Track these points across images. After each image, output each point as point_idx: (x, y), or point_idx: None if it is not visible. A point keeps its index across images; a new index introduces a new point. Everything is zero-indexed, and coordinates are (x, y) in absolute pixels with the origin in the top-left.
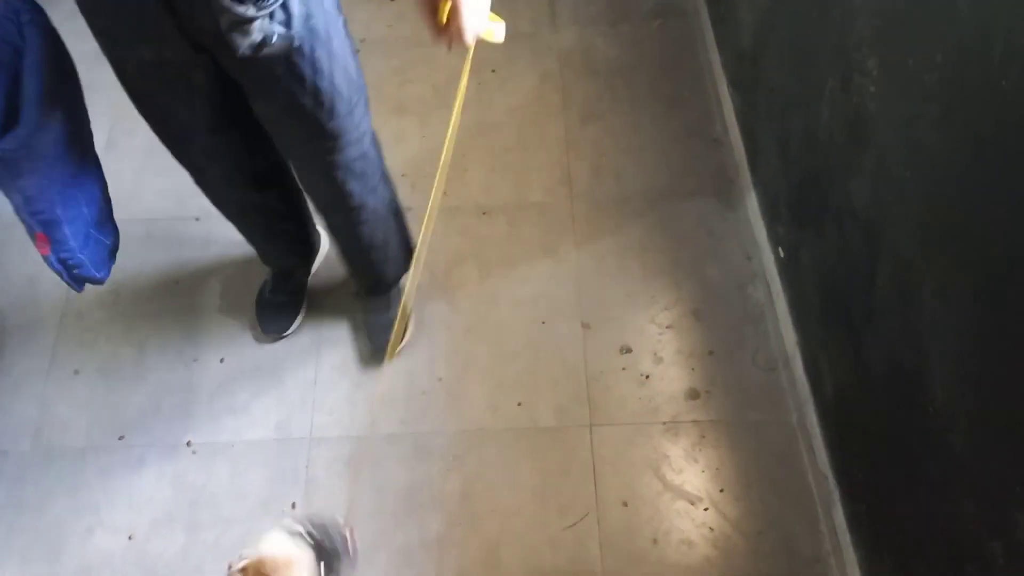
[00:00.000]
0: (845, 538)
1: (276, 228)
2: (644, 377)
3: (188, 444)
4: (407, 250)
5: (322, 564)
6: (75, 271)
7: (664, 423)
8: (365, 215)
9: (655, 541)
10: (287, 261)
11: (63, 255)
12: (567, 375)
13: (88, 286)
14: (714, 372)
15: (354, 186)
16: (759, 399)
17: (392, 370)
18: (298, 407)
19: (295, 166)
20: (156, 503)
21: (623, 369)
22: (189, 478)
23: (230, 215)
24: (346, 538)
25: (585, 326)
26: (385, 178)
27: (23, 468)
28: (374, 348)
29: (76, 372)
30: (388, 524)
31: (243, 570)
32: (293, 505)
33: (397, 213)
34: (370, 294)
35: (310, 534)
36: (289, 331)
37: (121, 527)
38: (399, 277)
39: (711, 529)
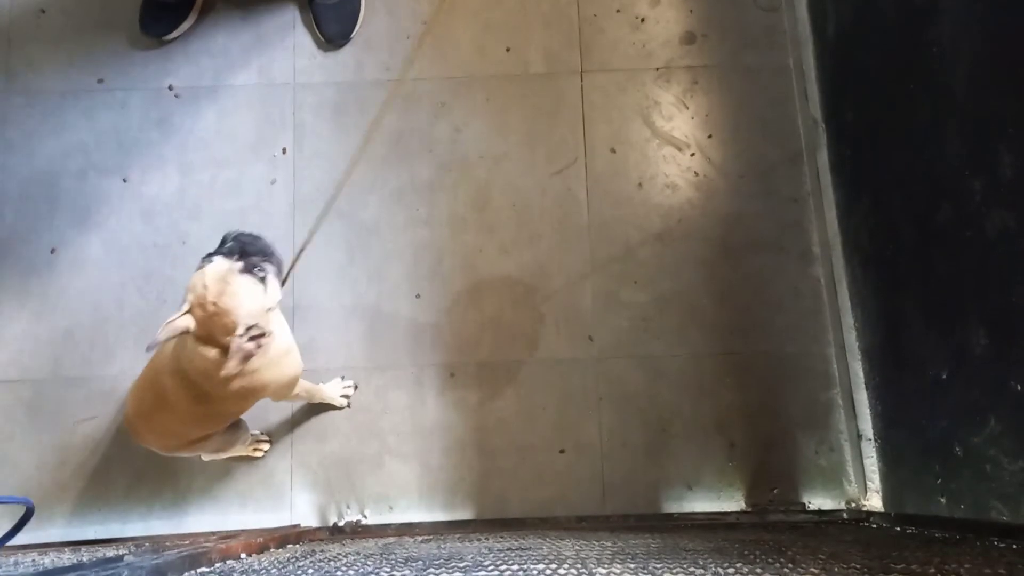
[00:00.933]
0: (827, 179)
1: None
2: (639, 20)
3: (170, 88)
4: None
5: (253, 265)
6: None
7: (657, 69)
8: None
9: (640, 185)
10: None
11: None
12: (559, 17)
13: None
14: (713, 14)
15: None
16: (757, 42)
17: (374, 13)
18: (279, 51)
19: None
20: (145, 146)
21: (618, 11)
22: (175, 122)
23: None
24: (263, 239)
25: None
26: None
27: (3, 109)
28: (325, 38)
29: (41, 11)
30: (379, 169)
31: (189, 311)
32: (284, 150)
33: None
34: None
35: (229, 249)
36: (172, 35)
37: (113, 169)
38: None
39: (696, 173)
